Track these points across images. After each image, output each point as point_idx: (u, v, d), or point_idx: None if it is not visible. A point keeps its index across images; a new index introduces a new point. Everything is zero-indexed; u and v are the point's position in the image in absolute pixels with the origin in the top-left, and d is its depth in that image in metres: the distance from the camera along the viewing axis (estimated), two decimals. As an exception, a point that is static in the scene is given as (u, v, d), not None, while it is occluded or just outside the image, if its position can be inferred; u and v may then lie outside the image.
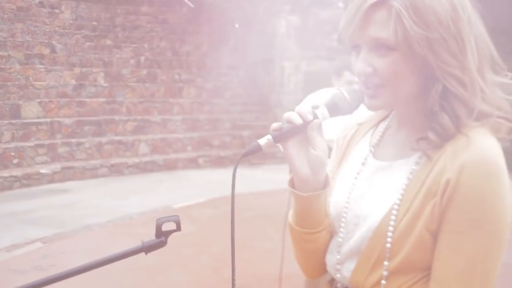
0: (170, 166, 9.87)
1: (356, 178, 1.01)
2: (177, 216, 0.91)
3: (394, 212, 0.89)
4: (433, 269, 0.88)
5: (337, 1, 12.94)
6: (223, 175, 9.57)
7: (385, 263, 0.91)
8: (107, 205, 6.94)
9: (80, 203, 7.06)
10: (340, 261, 1.00)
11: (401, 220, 0.88)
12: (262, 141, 0.90)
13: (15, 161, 8.45)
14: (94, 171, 9.02)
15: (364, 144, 1.07)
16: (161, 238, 0.91)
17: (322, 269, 1.08)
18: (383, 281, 0.91)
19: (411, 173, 0.92)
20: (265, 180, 8.51)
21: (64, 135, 9.41)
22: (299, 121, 0.90)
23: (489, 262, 0.85)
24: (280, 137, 0.91)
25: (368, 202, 0.96)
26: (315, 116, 0.91)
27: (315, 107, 0.92)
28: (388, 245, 0.89)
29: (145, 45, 11.84)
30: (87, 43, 11.15)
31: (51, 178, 8.43)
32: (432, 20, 0.84)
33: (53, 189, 8.00)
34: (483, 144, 0.86)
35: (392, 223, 0.89)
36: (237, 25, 12.42)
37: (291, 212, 1.04)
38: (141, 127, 10.37)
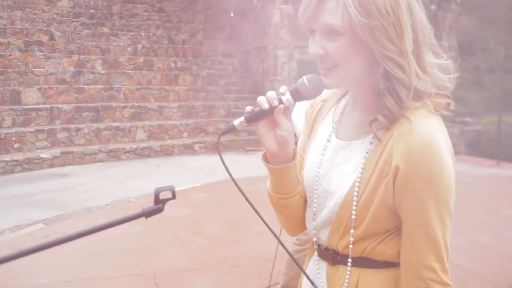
0: (166, 152, 10.05)
1: (323, 154, 1.15)
2: (173, 186, 0.98)
3: (356, 189, 1.03)
4: (406, 243, 1.01)
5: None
6: (217, 161, 9.63)
7: (351, 231, 1.06)
8: (105, 189, 7.13)
9: (80, 187, 7.25)
10: (316, 228, 1.15)
11: (361, 196, 1.02)
12: (236, 122, 1.03)
13: (16, 146, 8.67)
14: (93, 156, 9.22)
15: (327, 121, 1.20)
16: (159, 205, 0.99)
17: (299, 228, 1.25)
18: (350, 246, 1.07)
19: (367, 152, 1.04)
20: (258, 167, 8.68)
21: (63, 121, 9.60)
22: (265, 106, 1.02)
23: (443, 225, 0.98)
24: (251, 118, 1.03)
25: (333, 179, 1.09)
26: (281, 102, 1.02)
27: (282, 94, 1.03)
28: (353, 216, 1.04)
29: (142, 33, 11.95)
30: (85, 31, 11.27)
31: (51, 163, 8.64)
32: (373, 9, 0.94)
33: (53, 173, 8.19)
34: (423, 128, 0.97)
35: (355, 198, 1.03)
36: (232, 14, 12.53)
37: (268, 182, 1.18)
38: (138, 113, 10.54)
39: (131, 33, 11.82)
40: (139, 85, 11.01)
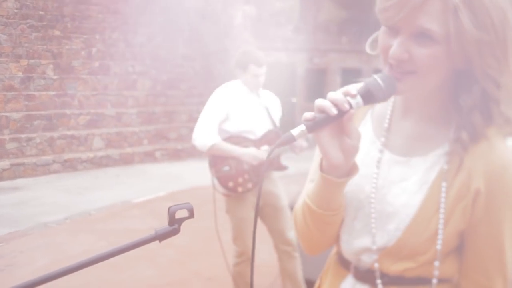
0: (126, 160, 9.63)
1: (377, 167, 1.03)
2: (189, 203, 0.87)
3: (441, 215, 0.93)
4: (474, 262, 0.97)
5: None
6: (181, 168, 9.45)
7: (436, 263, 0.96)
8: (62, 201, 6.67)
9: (34, 201, 6.75)
10: (374, 250, 1.02)
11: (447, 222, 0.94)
12: (296, 132, 0.85)
13: (-40, 158, 7.98)
14: (46, 167, 8.65)
15: (366, 128, 1.08)
16: (174, 225, 0.87)
17: (326, 246, 1.14)
18: (434, 280, 0.98)
19: (441, 173, 0.95)
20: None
21: (13, 131, 8.95)
22: (334, 111, 0.86)
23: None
24: (314, 127, 0.87)
25: (391, 198, 0.99)
26: (350, 106, 0.87)
27: (352, 95, 0.88)
28: (439, 246, 0.94)
29: (97, 36, 11.43)
30: (34, 34, 10.63)
31: (0, 176, 8.02)
32: (487, 21, 0.83)
33: (3, 187, 7.62)
34: (502, 148, 0.92)
35: (441, 226, 0.94)
36: (191, 15, 12.21)
37: (308, 195, 1.03)
38: (95, 120, 10.03)
39: (84, 36, 11.26)
40: (95, 91, 10.48)
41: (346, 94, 0.88)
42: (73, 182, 8.00)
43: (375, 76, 0.90)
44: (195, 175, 8.70)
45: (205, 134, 3.01)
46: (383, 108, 1.07)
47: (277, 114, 3.26)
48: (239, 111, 3.08)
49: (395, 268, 1.00)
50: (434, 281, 0.98)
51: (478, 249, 0.95)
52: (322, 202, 1.00)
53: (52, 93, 9.88)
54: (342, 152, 0.90)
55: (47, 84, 10.00)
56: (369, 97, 0.89)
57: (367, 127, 1.08)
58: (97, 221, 5.71)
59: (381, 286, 1.02)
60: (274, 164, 3.19)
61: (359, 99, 0.88)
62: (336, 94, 0.87)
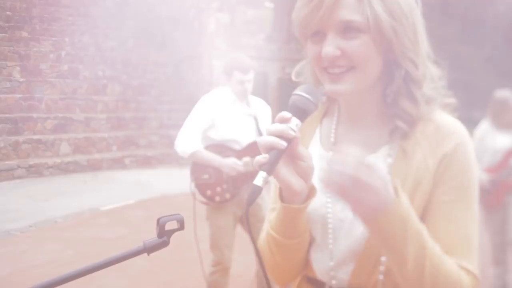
0: (94, 166, 9.42)
1: None
2: (180, 214, 0.85)
3: None
4: (436, 240, 0.92)
5: (263, 1, 13.05)
6: (150, 175, 9.32)
7: (382, 258, 0.95)
8: (26, 208, 6.44)
9: (-4, 207, 6.50)
10: (334, 268, 1.02)
11: None
12: (259, 181, 0.83)
13: None
14: (10, 172, 8.38)
15: (316, 146, 1.08)
16: (164, 238, 0.83)
17: (296, 274, 1.11)
18: (380, 276, 0.96)
19: (388, 167, 0.96)
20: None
21: (-25, 134, 8.68)
22: (283, 144, 0.84)
23: (475, 223, 0.94)
24: (272, 167, 0.85)
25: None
26: (293, 131, 0.86)
27: (287, 120, 0.86)
28: None
29: (66, 39, 11.22)
30: (0, 35, 10.36)
31: (-39, 181, 7.74)
32: (396, 8, 0.91)
33: (-37, 193, 7.34)
34: (449, 120, 0.97)
35: None
36: (164, 21, 12.14)
37: (271, 227, 1.01)
38: (62, 125, 9.80)
39: (53, 39, 11.03)
40: (63, 95, 10.26)
41: (283, 122, 0.87)
42: (38, 188, 7.75)
43: (298, 92, 0.89)
44: (165, 183, 8.60)
45: (187, 141, 2.96)
46: (330, 123, 1.09)
47: (266, 124, 3.21)
48: (224, 119, 3.03)
49: (371, 280, 0.98)
50: (380, 277, 0.98)
51: (441, 228, 0.92)
52: (286, 231, 0.98)
53: (18, 96, 9.62)
54: (301, 176, 0.89)
55: (13, 87, 9.73)
56: (302, 114, 0.88)
57: (317, 144, 1.08)
58: (63, 229, 5.54)
59: None
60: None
61: (295, 120, 0.87)
62: (276, 126, 0.86)
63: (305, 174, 0.90)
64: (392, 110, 0.96)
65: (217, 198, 3.01)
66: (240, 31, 11.47)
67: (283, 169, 0.88)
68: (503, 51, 15.77)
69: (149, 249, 0.83)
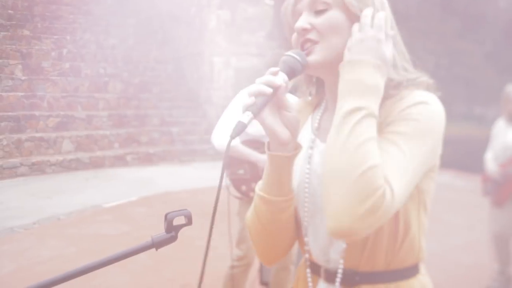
0: (96, 164, 9.42)
1: (309, 163, 1.09)
2: (188, 210, 0.87)
3: None
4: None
5: (264, -2, 13.03)
6: (153, 172, 9.34)
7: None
8: (30, 206, 6.47)
9: None
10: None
11: None
12: (245, 119, 0.90)
13: None
14: (13, 170, 8.38)
15: (306, 131, 1.16)
16: (172, 233, 0.85)
17: (284, 252, 1.14)
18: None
19: None
20: (196, 178, 8.39)
21: (-22, 132, 8.70)
22: (269, 89, 0.93)
23: (416, 162, 0.93)
24: (258, 110, 0.93)
25: None
26: (279, 80, 0.96)
27: (274, 73, 0.96)
28: None
29: (68, 37, 11.20)
30: (2, 33, 10.35)
31: (-36, 179, 7.76)
32: None
33: (-33, 190, 7.36)
34: (419, 92, 1.00)
35: None
36: (165, 18, 12.12)
37: (259, 188, 1.07)
38: (64, 123, 9.80)
39: (55, 37, 11.02)
40: (65, 93, 10.24)
41: (271, 74, 0.96)
42: (41, 186, 7.78)
43: (288, 53, 1.00)
44: (167, 180, 8.62)
45: (223, 135, 2.95)
46: (318, 112, 1.17)
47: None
48: None
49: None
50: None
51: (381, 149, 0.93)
52: (273, 187, 1.04)
53: (20, 94, 9.62)
54: (286, 126, 0.97)
55: (15, 85, 9.73)
56: (290, 71, 0.98)
57: (308, 129, 1.17)
58: (66, 226, 5.57)
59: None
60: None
61: (283, 74, 0.96)
62: (265, 77, 0.95)
63: (290, 124, 0.97)
64: None
65: (252, 194, 2.99)
66: (240, 28, 11.45)
67: (270, 117, 0.96)
68: (503, 47, 15.74)
69: (157, 244, 0.85)
